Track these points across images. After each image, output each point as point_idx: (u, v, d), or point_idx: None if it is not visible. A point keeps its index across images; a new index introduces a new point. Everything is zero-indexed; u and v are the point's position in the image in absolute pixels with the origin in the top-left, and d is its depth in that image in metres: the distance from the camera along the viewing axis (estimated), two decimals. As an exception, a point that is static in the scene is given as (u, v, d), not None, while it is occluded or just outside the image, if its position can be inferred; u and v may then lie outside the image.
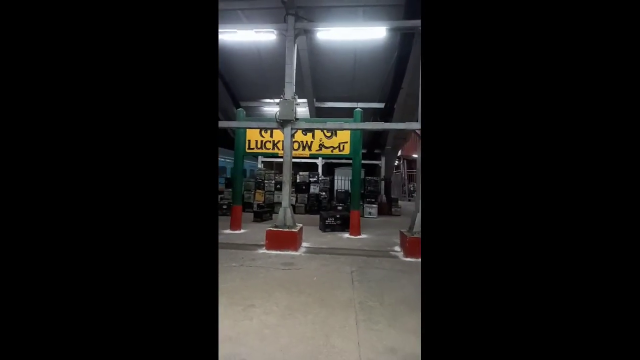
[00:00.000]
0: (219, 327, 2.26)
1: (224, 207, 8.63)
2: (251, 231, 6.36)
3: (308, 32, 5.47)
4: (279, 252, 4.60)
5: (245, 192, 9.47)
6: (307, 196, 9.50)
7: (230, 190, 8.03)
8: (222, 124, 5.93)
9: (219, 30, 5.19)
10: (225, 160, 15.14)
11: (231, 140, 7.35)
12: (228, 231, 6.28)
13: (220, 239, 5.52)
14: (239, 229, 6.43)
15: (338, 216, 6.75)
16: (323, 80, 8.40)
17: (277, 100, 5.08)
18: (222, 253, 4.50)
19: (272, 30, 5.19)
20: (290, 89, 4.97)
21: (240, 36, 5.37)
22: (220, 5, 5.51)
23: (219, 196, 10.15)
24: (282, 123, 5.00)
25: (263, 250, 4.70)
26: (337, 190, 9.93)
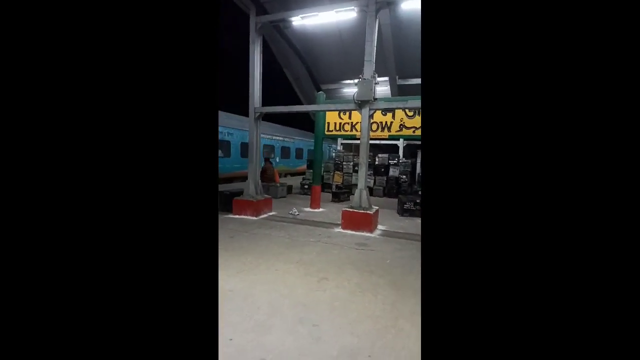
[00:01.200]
0: (295, 293, 2.52)
1: (305, 187, 9.24)
2: (329, 210, 6.66)
3: (391, 5, 5.12)
4: (354, 232, 4.72)
5: (324, 173, 9.87)
6: (385, 179, 9.26)
7: (311, 171, 8.50)
8: (300, 108, 6.23)
9: (301, 15, 5.36)
10: (304, 141, 16.15)
11: (313, 123, 7.68)
12: (308, 209, 6.73)
13: (301, 216, 5.98)
14: (318, 207, 6.81)
15: (418, 201, 6.42)
16: (407, 56, 7.81)
17: (356, 81, 5.01)
18: (301, 229, 4.89)
19: (352, 7, 5.06)
20: (369, 67, 4.82)
21: (321, 19, 5.42)
22: (303, -10, 5.65)
23: (302, 176, 10.86)
24: (360, 104, 4.94)
25: (339, 229, 4.89)
26: (419, 174, 9.36)
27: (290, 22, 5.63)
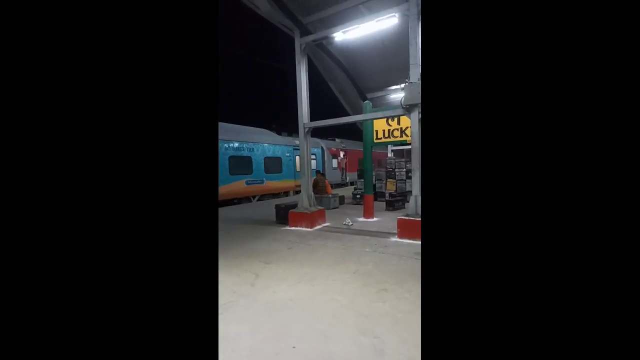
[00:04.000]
0: (354, 306, 2.50)
1: (357, 196, 9.20)
2: (383, 219, 6.49)
3: (434, 4, 4.96)
4: (411, 241, 4.52)
5: (376, 181, 9.71)
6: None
7: (362, 180, 8.44)
8: (347, 119, 6.29)
9: (342, 30, 5.51)
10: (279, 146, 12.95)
11: (361, 133, 7.68)
12: (362, 219, 6.66)
13: (355, 226, 5.94)
14: (372, 217, 6.70)
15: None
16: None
17: (403, 85, 4.91)
18: (356, 239, 4.86)
19: (394, 14, 5.03)
20: (415, 71, 4.70)
21: (362, 30, 5.50)
22: (342, 6, 5.83)
23: (353, 186, 10.82)
24: (408, 108, 4.81)
25: (395, 239, 4.73)
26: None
27: (333, 38, 5.82)
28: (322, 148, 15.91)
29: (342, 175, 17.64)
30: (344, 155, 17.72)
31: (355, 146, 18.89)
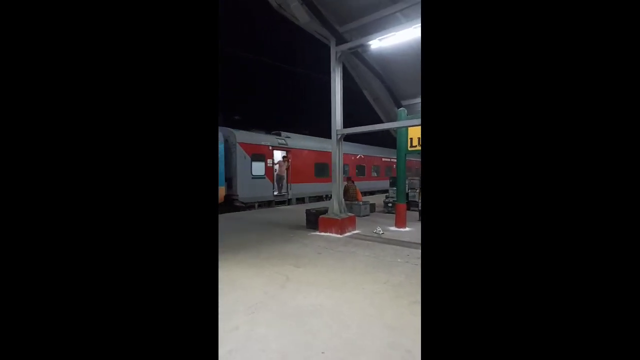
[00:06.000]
0: (384, 317, 2.45)
1: (389, 205, 9.01)
2: (416, 230, 6.28)
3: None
4: (446, 255, 4.32)
5: (409, 190, 9.44)
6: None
7: (395, 188, 8.26)
8: (381, 126, 6.22)
9: (379, 38, 5.50)
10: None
11: (394, 140, 7.55)
12: (393, 228, 6.50)
13: (386, 235, 5.82)
14: (404, 226, 6.51)
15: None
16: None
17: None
18: (387, 248, 4.75)
19: (432, 20, 4.93)
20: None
21: (398, 38, 5.45)
22: (379, 14, 5.84)
23: (385, 194, 10.60)
24: (446, 116, 4.64)
25: (428, 251, 4.55)
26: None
27: (369, 46, 5.83)
28: (226, 142, 9.75)
29: (280, 187, 11.66)
30: (283, 158, 11.76)
31: (315, 142, 13.17)
